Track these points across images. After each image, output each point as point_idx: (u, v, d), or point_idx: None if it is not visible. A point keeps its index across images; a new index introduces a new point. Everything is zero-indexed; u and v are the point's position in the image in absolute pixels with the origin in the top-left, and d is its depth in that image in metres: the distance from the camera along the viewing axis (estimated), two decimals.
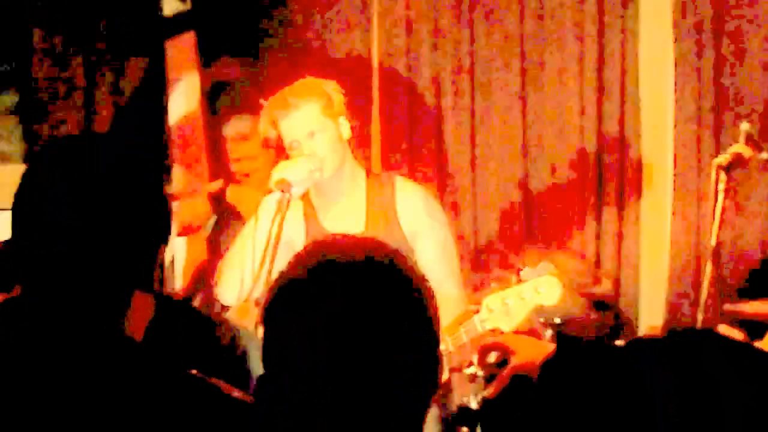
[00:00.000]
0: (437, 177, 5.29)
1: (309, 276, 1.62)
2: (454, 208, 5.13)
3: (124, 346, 1.87)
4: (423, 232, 3.64)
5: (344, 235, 1.81)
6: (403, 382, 1.61)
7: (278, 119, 3.55)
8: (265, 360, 1.63)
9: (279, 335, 1.62)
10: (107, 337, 1.85)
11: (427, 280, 1.70)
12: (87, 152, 1.91)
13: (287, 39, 5.30)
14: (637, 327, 5.31)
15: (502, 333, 3.35)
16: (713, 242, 3.79)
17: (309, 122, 3.54)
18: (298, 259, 1.66)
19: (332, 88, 3.64)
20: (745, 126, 4.12)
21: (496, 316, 3.35)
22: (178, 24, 3.73)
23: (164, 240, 1.96)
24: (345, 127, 3.61)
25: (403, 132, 5.30)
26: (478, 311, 3.39)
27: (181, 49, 3.52)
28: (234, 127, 4.42)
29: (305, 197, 3.67)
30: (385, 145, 5.30)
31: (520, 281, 3.35)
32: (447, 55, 5.35)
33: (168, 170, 1.91)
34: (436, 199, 3.83)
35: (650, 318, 5.29)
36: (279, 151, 3.73)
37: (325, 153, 3.55)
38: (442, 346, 3.28)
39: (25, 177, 1.89)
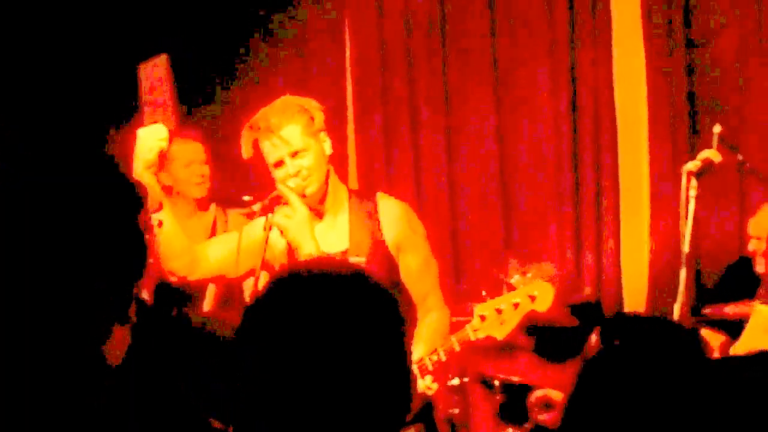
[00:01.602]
0: (415, 192, 5.31)
1: (279, 295, 1.67)
2: (432, 222, 5.16)
3: (102, 373, 1.90)
4: (407, 246, 3.66)
5: (316, 258, 1.86)
6: (375, 397, 1.65)
7: (260, 140, 3.58)
8: (237, 373, 1.67)
9: (251, 348, 1.66)
10: (86, 365, 1.88)
11: (394, 297, 1.73)
12: (58, 188, 1.94)
13: (261, 59, 5.32)
14: None
15: (495, 341, 3.37)
16: (686, 248, 3.81)
17: (292, 143, 3.56)
18: (271, 282, 1.71)
19: (313, 105, 3.65)
20: (717, 128, 4.14)
21: (488, 324, 3.36)
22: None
23: (139, 273, 1.98)
24: (327, 144, 3.63)
25: (379, 150, 5.32)
26: (468, 321, 3.41)
27: (156, 71, 3.52)
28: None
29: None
30: (360, 163, 5.33)
31: (511, 288, 3.37)
32: (421, 72, 5.37)
33: (141, 201, 1.92)
34: (415, 214, 3.86)
35: None
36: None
37: (310, 170, 3.57)
38: (434, 357, 3.32)
39: None
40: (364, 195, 3.77)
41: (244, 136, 3.60)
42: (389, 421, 1.68)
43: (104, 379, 1.89)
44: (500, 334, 3.36)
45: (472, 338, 3.38)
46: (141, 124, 3.47)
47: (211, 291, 4.69)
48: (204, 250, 3.69)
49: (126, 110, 3.61)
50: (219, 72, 5.28)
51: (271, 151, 3.56)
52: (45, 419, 1.82)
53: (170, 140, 3.47)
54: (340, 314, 1.66)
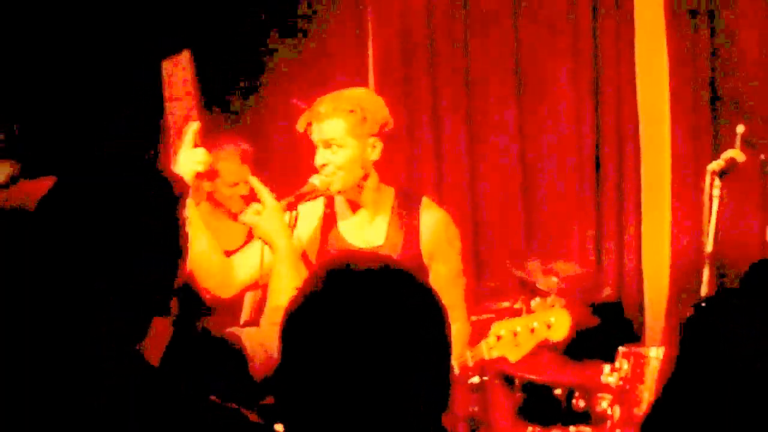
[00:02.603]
0: (436, 188, 5.31)
1: (328, 288, 1.68)
2: (453, 219, 5.15)
3: (141, 371, 1.91)
4: (440, 255, 3.66)
5: (362, 250, 1.88)
6: (416, 399, 1.66)
7: (312, 122, 3.59)
8: (283, 367, 1.67)
9: (298, 346, 1.67)
10: (125, 362, 1.89)
11: (442, 303, 1.73)
12: (100, 190, 1.95)
13: (284, 56, 5.33)
14: (642, 331, 5.33)
15: (508, 362, 3.37)
16: (709, 248, 3.80)
17: (329, 135, 3.57)
18: (319, 272, 1.72)
19: (372, 104, 3.65)
20: (740, 128, 4.12)
21: (504, 344, 3.36)
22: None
23: (180, 266, 2.00)
24: (375, 150, 3.62)
25: (401, 146, 5.31)
26: (484, 335, 3.40)
27: (179, 68, 3.53)
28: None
29: (329, 200, 3.70)
30: (382, 157, 5.32)
31: (530, 311, 3.37)
32: (443, 65, 5.38)
33: (181, 196, 1.95)
34: (456, 227, 3.84)
35: (654, 321, 5.31)
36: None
37: (337, 167, 3.57)
38: None
39: (47, 209, 1.94)
40: (410, 197, 3.77)
41: (304, 113, 3.62)
42: (430, 418, 1.69)
43: (141, 378, 1.90)
44: (514, 356, 3.36)
45: (486, 357, 3.39)
46: (167, 126, 3.48)
47: (248, 302, 4.69)
48: (232, 265, 3.67)
49: (150, 107, 3.62)
50: (242, 69, 5.29)
51: (314, 135, 3.59)
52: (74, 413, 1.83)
53: (216, 144, 3.46)
54: (385, 312, 1.66)
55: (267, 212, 3.41)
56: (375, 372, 1.64)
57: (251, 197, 4.83)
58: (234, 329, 2.89)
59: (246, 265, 3.63)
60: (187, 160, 3.39)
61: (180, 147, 3.41)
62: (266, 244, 3.41)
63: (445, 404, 1.71)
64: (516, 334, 3.35)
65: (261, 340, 2.82)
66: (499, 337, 3.36)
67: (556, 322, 3.32)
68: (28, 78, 5.09)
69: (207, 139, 3.48)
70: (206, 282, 3.58)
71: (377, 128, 3.60)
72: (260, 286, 3.74)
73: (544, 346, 3.37)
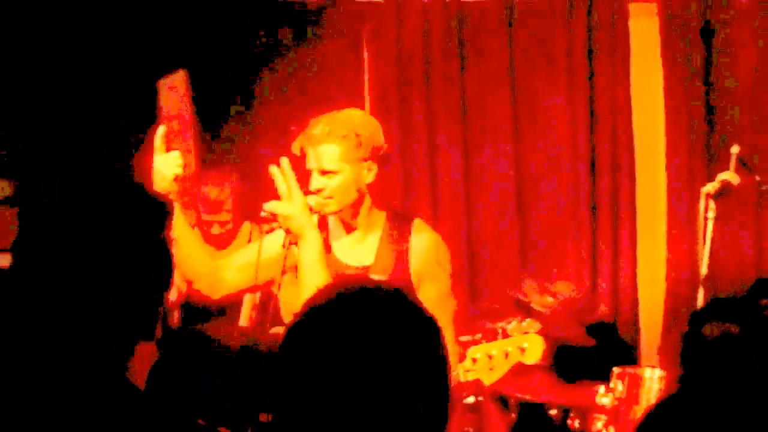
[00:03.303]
0: (431, 209, 5.31)
1: (331, 306, 1.69)
2: (448, 240, 5.15)
3: (127, 393, 1.91)
4: (429, 276, 3.65)
5: (366, 275, 1.89)
6: (417, 414, 1.66)
7: (305, 146, 3.60)
8: (287, 381, 1.68)
9: (299, 360, 1.68)
10: (111, 384, 1.89)
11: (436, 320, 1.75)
12: (86, 205, 1.95)
13: (280, 83, 5.33)
14: (637, 350, 5.33)
15: (483, 386, 3.39)
16: (704, 270, 3.81)
17: (324, 161, 3.56)
18: (322, 291, 1.74)
19: (368, 128, 3.63)
20: (735, 149, 4.14)
21: (479, 367, 3.37)
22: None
23: (165, 287, 2.00)
24: (370, 173, 3.61)
25: (396, 166, 5.31)
26: (462, 357, 3.41)
27: (175, 87, 3.53)
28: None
29: (321, 220, 3.70)
30: (378, 180, 5.31)
31: (505, 335, 3.37)
32: (438, 88, 5.38)
33: (167, 214, 1.94)
34: (447, 248, 3.84)
35: (649, 342, 5.32)
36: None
37: (333, 192, 3.57)
38: None
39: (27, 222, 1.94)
40: (402, 218, 3.76)
41: (299, 136, 3.62)
42: None
43: (127, 400, 1.89)
44: (488, 379, 3.37)
45: (462, 379, 3.39)
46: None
47: (247, 305, 4.70)
48: (224, 267, 3.70)
49: (146, 128, 3.62)
50: (238, 90, 5.30)
51: (308, 160, 3.58)
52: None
53: (195, 160, 3.47)
54: (383, 334, 1.67)
55: (297, 204, 3.42)
56: (374, 387, 1.64)
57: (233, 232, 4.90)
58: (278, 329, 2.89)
59: (237, 267, 3.66)
60: (165, 164, 3.42)
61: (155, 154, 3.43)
62: (294, 235, 3.43)
63: (444, 422, 1.71)
64: (491, 357, 3.36)
65: None
66: (474, 360, 3.37)
67: (530, 347, 3.32)
68: (25, 94, 5.11)
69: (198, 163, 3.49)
70: (197, 284, 3.63)
71: (372, 152, 3.59)
72: (259, 287, 3.75)
73: (520, 370, 3.39)
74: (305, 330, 1.71)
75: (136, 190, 1.99)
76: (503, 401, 4.64)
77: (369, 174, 3.60)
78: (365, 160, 3.58)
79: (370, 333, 1.67)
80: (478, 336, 3.46)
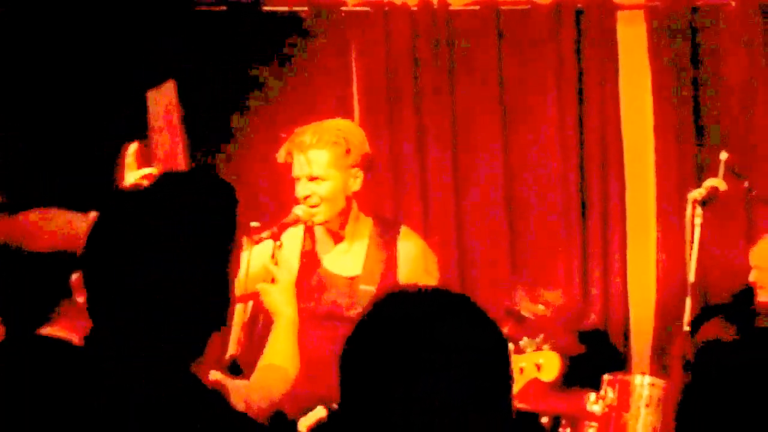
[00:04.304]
0: (422, 220, 5.30)
1: (387, 321, 1.64)
2: (439, 250, 5.16)
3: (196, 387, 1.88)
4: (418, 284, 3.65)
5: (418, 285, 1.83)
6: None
7: (293, 152, 3.60)
8: (344, 398, 1.64)
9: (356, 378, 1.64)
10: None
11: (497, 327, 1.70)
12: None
13: (269, 88, 5.32)
14: (627, 358, 5.33)
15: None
16: (692, 277, 3.81)
17: (313, 167, 3.58)
18: (378, 305, 1.69)
19: (355, 137, 3.68)
20: (724, 155, 4.14)
21: None
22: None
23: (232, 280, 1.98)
24: (356, 180, 3.64)
25: (386, 179, 5.31)
26: None
27: (163, 98, 3.55)
28: None
29: (309, 231, 3.70)
30: (367, 190, 5.31)
31: (519, 351, 3.35)
32: (428, 98, 5.36)
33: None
34: (434, 255, 3.85)
35: (640, 349, 5.32)
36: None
37: (322, 199, 3.58)
38: None
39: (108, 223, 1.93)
40: (389, 226, 3.78)
41: (285, 143, 3.62)
42: None
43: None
44: None
45: None
46: (151, 155, 3.48)
47: (234, 335, 4.66)
48: None
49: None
50: (227, 100, 5.29)
51: (295, 167, 3.59)
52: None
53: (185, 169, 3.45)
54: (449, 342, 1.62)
55: (282, 284, 3.34)
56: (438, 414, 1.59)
57: None
58: (220, 377, 2.89)
59: None
60: (132, 179, 3.39)
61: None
62: (270, 312, 3.38)
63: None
64: None
65: (246, 396, 2.83)
66: None
67: (546, 364, 3.32)
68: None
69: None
70: None
71: (359, 159, 3.62)
72: (248, 297, 3.74)
73: (535, 388, 3.36)
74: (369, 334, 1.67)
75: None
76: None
77: (356, 182, 3.63)
78: (353, 167, 3.60)
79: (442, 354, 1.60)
80: None
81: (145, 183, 3.35)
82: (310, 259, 3.76)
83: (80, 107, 5.09)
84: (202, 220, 1.93)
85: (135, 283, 1.84)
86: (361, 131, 3.74)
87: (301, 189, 3.58)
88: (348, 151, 3.60)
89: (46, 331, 2.18)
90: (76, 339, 1.98)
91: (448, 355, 1.60)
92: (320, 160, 3.57)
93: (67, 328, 2.13)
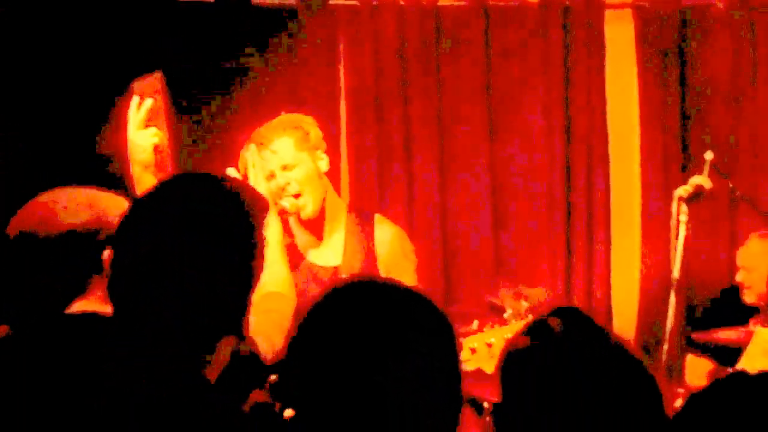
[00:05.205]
0: (407, 215, 5.30)
1: (336, 308, 1.72)
2: (424, 245, 5.16)
3: (199, 386, 1.90)
4: (395, 269, 3.68)
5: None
6: (429, 419, 1.68)
7: (259, 149, 3.59)
8: (291, 383, 1.69)
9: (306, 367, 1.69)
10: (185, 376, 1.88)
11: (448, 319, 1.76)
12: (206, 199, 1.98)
13: (256, 82, 5.31)
14: None
15: (485, 374, 3.36)
16: (676, 274, 3.82)
17: (282, 156, 3.60)
18: (328, 293, 1.78)
19: (309, 122, 3.73)
20: (709, 155, 4.16)
21: (479, 357, 3.37)
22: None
23: (252, 286, 2.01)
24: (323, 162, 3.68)
25: (372, 174, 5.31)
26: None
27: (151, 88, 3.52)
28: None
29: (284, 225, 3.70)
30: (353, 187, 5.31)
31: (503, 322, 3.37)
32: (415, 96, 5.37)
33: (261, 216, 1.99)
34: (411, 243, 3.87)
35: None
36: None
37: (301, 185, 3.60)
38: None
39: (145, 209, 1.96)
40: (363, 215, 3.80)
41: (244, 149, 3.62)
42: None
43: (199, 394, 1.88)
44: (490, 367, 3.36)
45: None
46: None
47: None
48: None
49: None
50: (214, 94, 5.27)
51: (264, 165, 3.55)
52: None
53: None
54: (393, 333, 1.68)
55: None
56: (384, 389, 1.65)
57: None
58: None
59: None
60: (141, 137, 3.33)
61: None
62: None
63: (455, 421, 1.71)
64: (491, 346, 3.36)
65: (259, 331, 2.81)
66: (473, 350, 3.36)
67: (498, 344, 3.33)
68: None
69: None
70: None
71: (319, 141, 3.67)
72: None
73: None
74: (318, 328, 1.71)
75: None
76: (476, 405, 4.63)
77: (323, 163, 3.67)
78: (316, 149, 3.65)
79: (380, 331, 1.66)
80: (474, 326, 3.47)
81: (157, 140, 3.34)
82: (291, 253, 3.75)
83: (80, 107, 5.08)
84: (233, 231, 1.96)
85: (155, 282, 1.88)
86: (311, 117, 3.78)
87: (278, 180, 3.59)
88: (307, 134, 3.67)
89: (79, 305, 2.16)
90: (110, 310, 1.99)
91: (394, 340, 1.67)
92: (285, 146, 3.62)
93: (100, 300, 2.13)
